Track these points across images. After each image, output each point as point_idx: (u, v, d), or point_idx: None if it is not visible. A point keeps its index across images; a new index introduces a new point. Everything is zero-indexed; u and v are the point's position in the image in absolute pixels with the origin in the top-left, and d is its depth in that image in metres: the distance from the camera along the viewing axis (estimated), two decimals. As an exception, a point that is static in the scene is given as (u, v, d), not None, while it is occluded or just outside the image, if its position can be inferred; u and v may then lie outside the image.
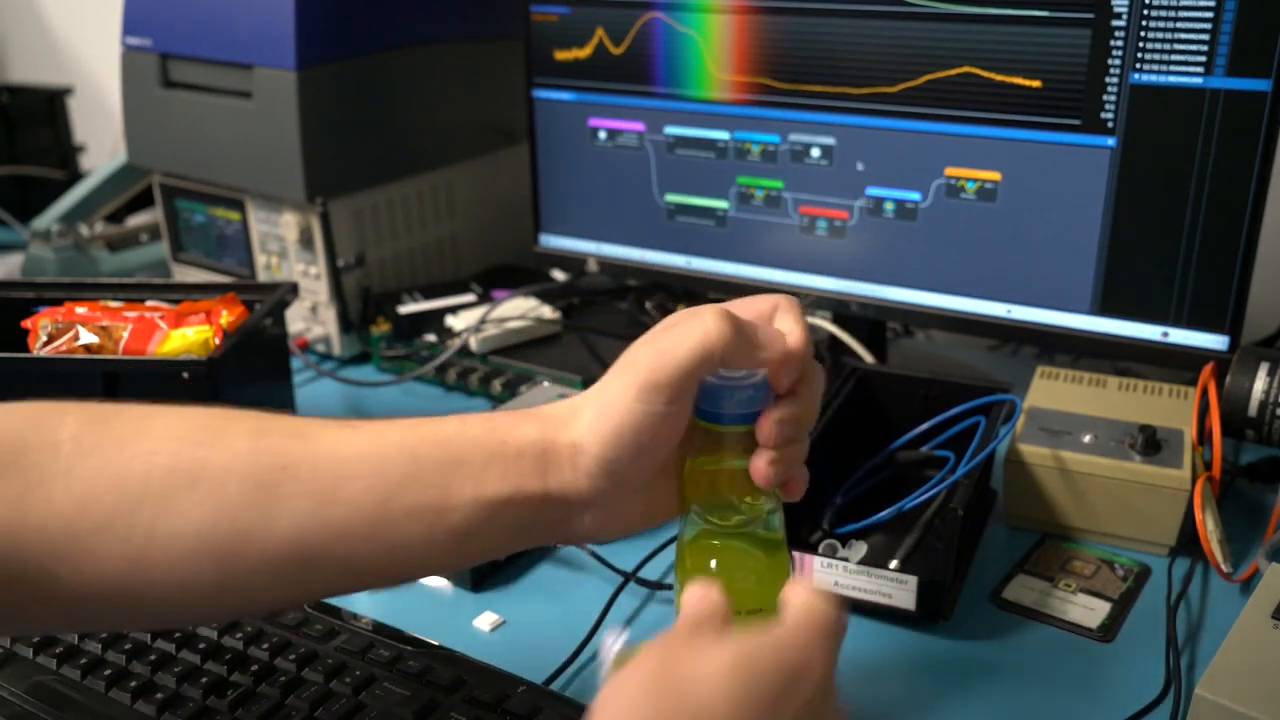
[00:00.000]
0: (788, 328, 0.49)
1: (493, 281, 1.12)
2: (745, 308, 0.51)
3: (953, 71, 0.82)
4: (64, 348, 0.79)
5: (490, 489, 0.47)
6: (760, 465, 0.49)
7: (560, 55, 0.99)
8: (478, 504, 0.47)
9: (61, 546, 0.44)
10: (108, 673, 0.59)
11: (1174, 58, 0.74)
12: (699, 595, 0.41)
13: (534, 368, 0.96)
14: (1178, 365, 0.81)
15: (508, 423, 0.49)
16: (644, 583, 0.71)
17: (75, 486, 0.44)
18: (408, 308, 1.05)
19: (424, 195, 1.11)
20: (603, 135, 0.99)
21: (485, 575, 0.72)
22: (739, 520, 0.51)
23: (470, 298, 1.08)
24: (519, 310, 1.03)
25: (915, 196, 0.86)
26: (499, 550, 0.51)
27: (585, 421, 0.48)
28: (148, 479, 0.45)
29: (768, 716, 0.36)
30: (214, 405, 0.49)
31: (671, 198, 0.98)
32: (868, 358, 0.93)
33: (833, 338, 0.96)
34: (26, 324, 0.81)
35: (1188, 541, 0.72)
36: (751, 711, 0.36)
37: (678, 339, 0.46)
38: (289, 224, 1.02)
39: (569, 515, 0.50)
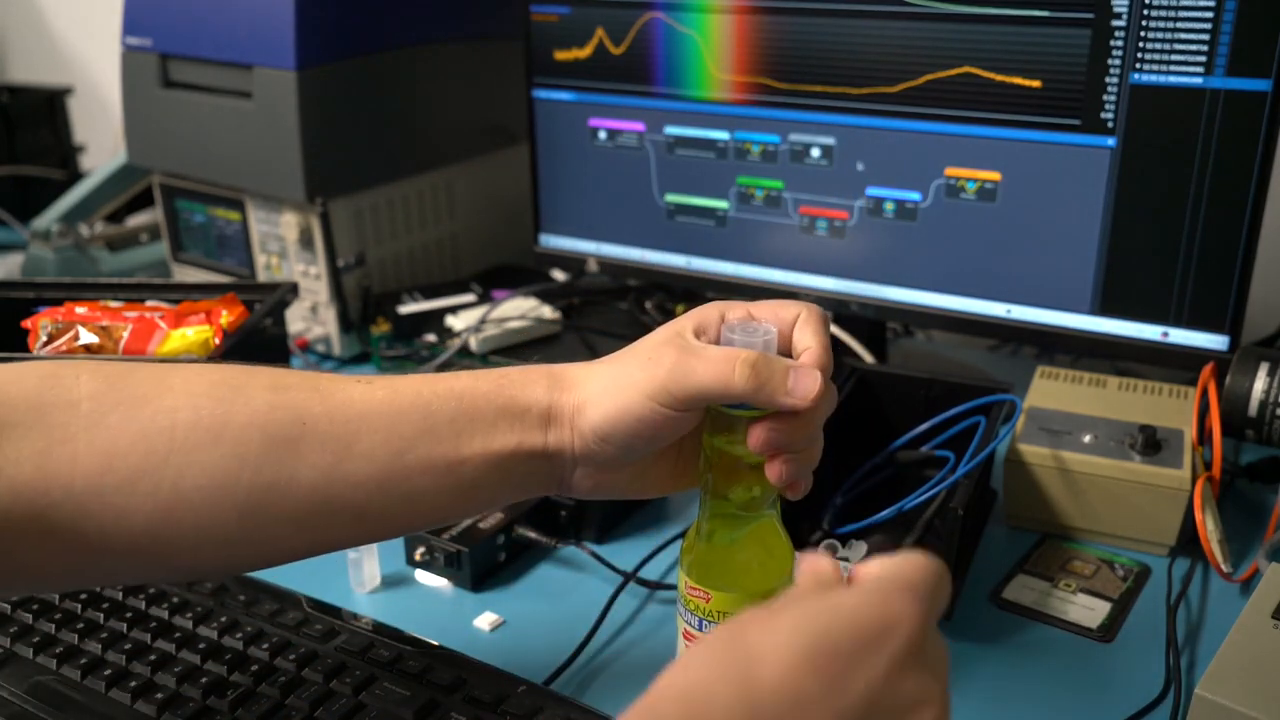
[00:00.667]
0: (807, 342, 0.50)
1: (493, 281, 1.12)
2: (767, 310, 0.51)
3: (953, 71, 0.82)
4: (64, 348, 0.79)
5: (498, 443, 0.50)
6: (773, 464, 0.50)
7: (560, 55, 0.99)
8: (485, 457, 0.49)
9: (88, 503, 0.45)
10: (108, 673, 0.59)
11: (1174, 58, 0.74)
12: (809, 563, 0.41)
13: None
14: (1178, 365, 0.81)
15: (518, 380, 0.51)
16: (644, 583, 0.71)
17: (99, 443, 0.45)
18: (408, 308, 1.05)
19: (424, 195, 1.11)
20: (603, 135, 0.99)
21: (485, 575, 0.72)
22: (750, 499, 0.52)
23: (470, 298, 1.08)
24: (519, 310, 1.03)
25: (915, 196, 0.86)
26: (501, 501, 0.53)
27: (593, 389, 0.50)
28: (172, 434, 0.46)
29: (841, 674, 0.34)
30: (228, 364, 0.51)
31: (671, 198, 0.98)
32: (868, 358, 0.93)
33: (833, 338, 0.96)
34: (26, 324, 0.81)
35: (1188, 541, 0.72)
36: (822, 667, 0.34)
37: (707, 366, 0.48)
38: (289, 224, 1.02)
39: (562, 469, 0.52)
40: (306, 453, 0.47)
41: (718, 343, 0.51)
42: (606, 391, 0.50)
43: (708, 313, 0.52)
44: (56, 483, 0.44)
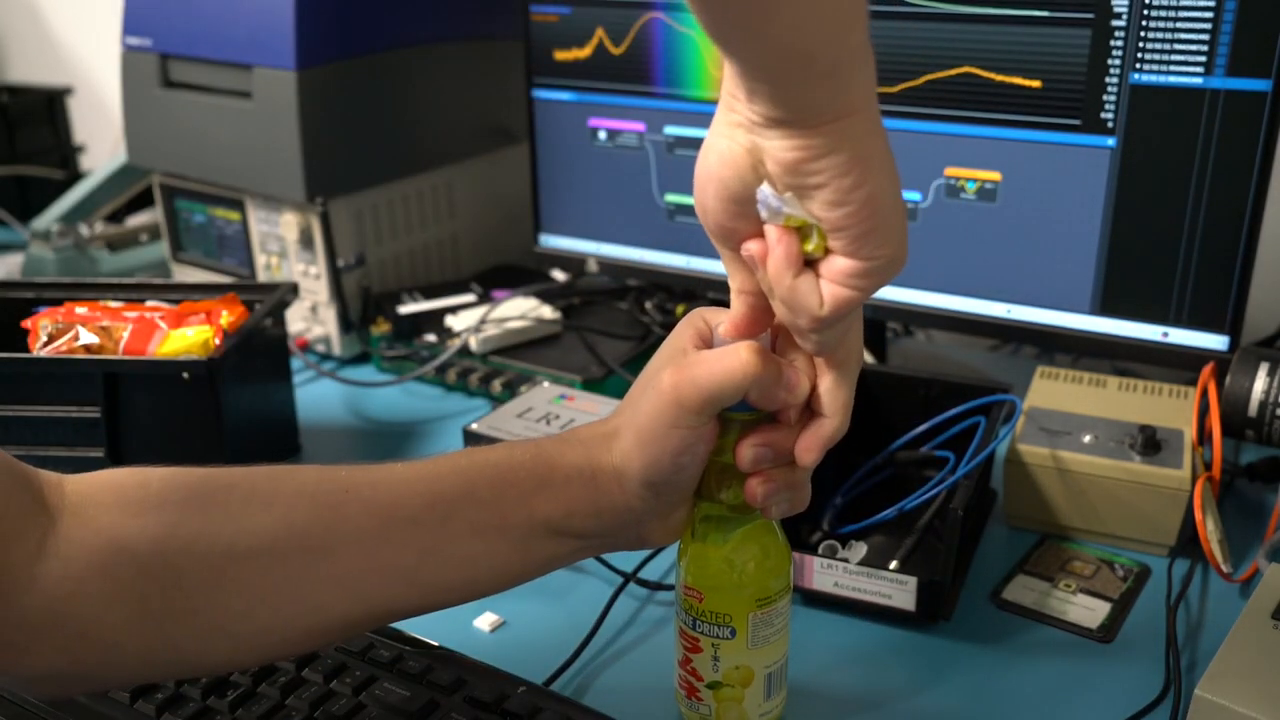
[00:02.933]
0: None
1: (493, 281, 1.12)
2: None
3: (953, 71, 0.82)
4: (64, 348, 0.79)
5: (543, 511, 0.51)
6: (750, 483, 0.51)
7: (560, 55, 0.99)
8: (532, 523, 0.50)
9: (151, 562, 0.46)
10: (108, 673, 0.59)
11: (1174, 58, 0.74)
12: None
13: (534, 368, 0.96)
14: (1178, 365, 0.81)
15: (552, 449, 0.52)
16: (644, 583, 0.71)
17: (167, 514, 0.46)
18: (408, 308, 1.05)
19: (424, 195, 1.11)
20: (603, 135, 0.99)
21: (485, 575, 0.72)
22: (742, 501, 0.52)
23: (470, 298, 1.07)
24: (519, 310, 1.03)
25: (915, 196, 0.86)
26: (566, 560, 0.53)
27: (624, 447, 0.51)
28: (229, 502, 0.47)
29: None
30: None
31: (671, 198, 0.98)
32: (868, 358, 0.93)
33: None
34: (26, 324, 0.81)
35: (1188, 541, 0.72)
36: None
37: (712, 367, 0.48)
38: (289, 224, 1.02)
39: (624, 528, 0.52)
40: (351, 515, 0.48)
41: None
42: (639, 445, 0.50)
43: (694, 322, 0.52)
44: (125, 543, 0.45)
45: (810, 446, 0.49)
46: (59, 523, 0.44)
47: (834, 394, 0.49)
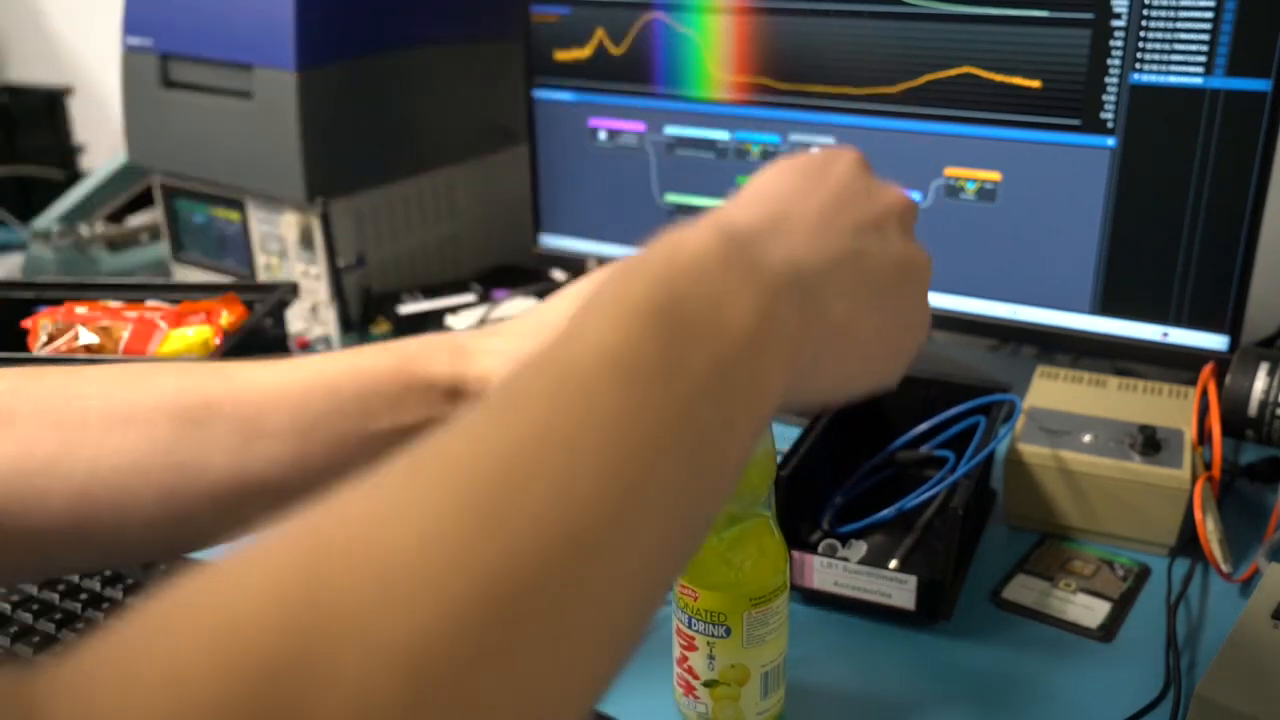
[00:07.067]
0: None
1: (493, 281, 1.12)
2: None
3: (953, 71, 0.82)
4: (64, 348, 0.79)
5: (406, 418, 0.50)
6: None
7: (560, 55, 0.99)
8: (396, 432, 0.50)
9: (9, 486, 0.46)
10: (107, 672, 0.59)
11: (1174, 58, 0.74)
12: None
13: (534, 368, 0.96)
14: (1178, 365, 0.81)
15: (421, 355, 0.51)
16: (644, 582, 0.71)
17: (17, 432, 0.47)
18: (408, 308, 1.05)
19: (424, 195, 1.11)
20: (603, 135, 0.99)
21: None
22: (736, 498, 0.52)
23: (470, 298, 1.08)
24: (519, 310, 1.02)
25: (915, 196, 0.86)
26: None
27: (498, 361, 0.50)
28: (84, 421, 0.47)
29: (813, 171, 0.43)
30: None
31: (672, 198, 0.98)
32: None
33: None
34: (26, 324, 0.81)
35: (1188, 541, 0.72)
36: (791, 170, 0.43)
37: None
38: (289, 224, 1.02)
39: None
40: (215, 434, 0.48)
41: None
42: (511, 360, 0.50)
43: None
44: None
45: None
46: None
47: None
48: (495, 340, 0.52)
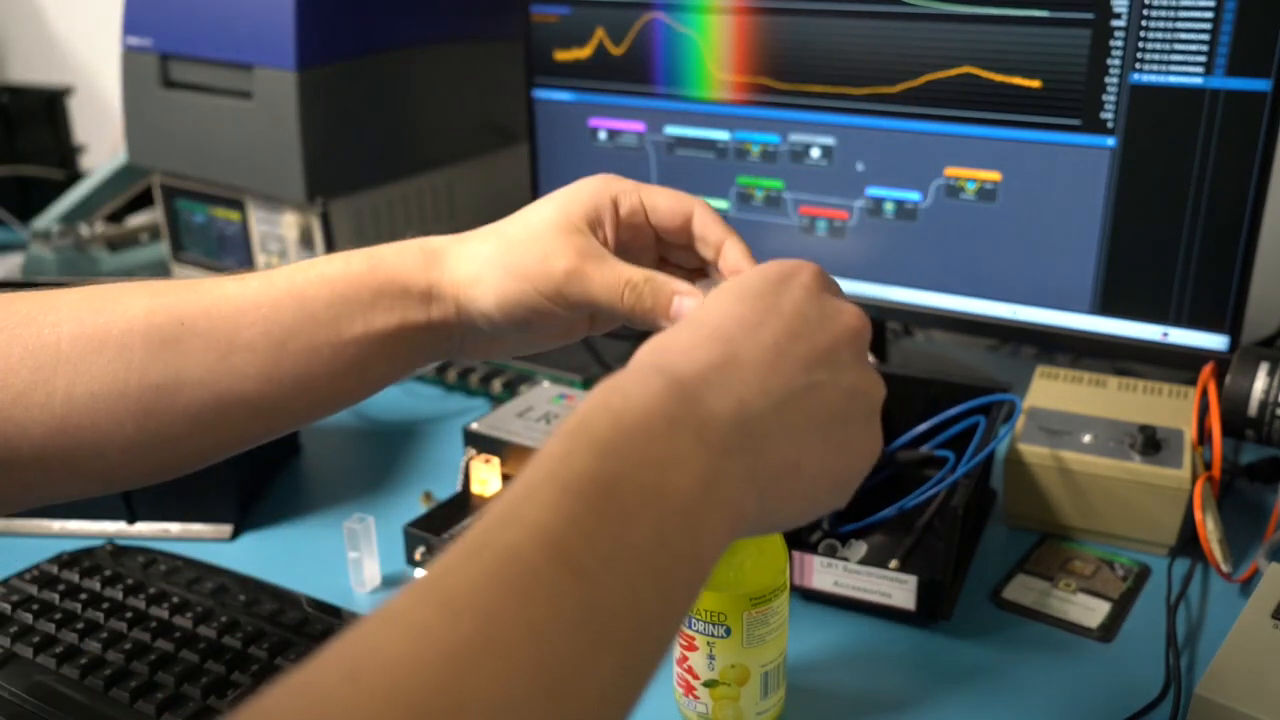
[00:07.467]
0: (719, 234, 0.52)
1: (493, 281, 1.12)
2: (663, 199, 0.52)
3: (953, 71, 0.82)
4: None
5: (379, 322, 0.50)
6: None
7: (560, 55, 0.99)
8: (369, 337, 0.50)
9: None
10: (108, 673, 0.59)
11: (1174, 58, 0.74)
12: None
13: (534, 367, 0.96)
14: (1178, 365, 0.81)
15: (392, 259, 0.51)
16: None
17: None
18: (408, 308, 1.04)
19: (424, 195, 1.11)
20: (603, 135, 1.00)
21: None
22: None
23: (470, 298, 1.07)
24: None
25: (915, 196, 0.86)
26: (396, 376, 0.53)
27: (476, 269, 0.51)
28: (58, 347, 0.47)
29: (768, 297, 0.42)
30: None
31: (671, 198, 0.98)
32: (868, 357, 0.93)
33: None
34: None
35: (1188, 541, 0.72)
36: (748, 299, 0.42)
37: (603, 279, 0.49)
38: (289, 224, 1.02)
39: (449, 340, 0.52)
40: (189, 351, 0.48)
41: (618, 232, 0.51)
42: (494, 278, 0.50)
43: (600, 200, 0.51)
44: None
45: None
46: None
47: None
48: (469, 244, 0.52)
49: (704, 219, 0.52)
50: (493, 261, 0.50)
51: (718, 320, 0.41)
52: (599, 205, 0.51)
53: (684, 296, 0.48)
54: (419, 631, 0.29)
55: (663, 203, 0.52)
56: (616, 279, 0.48)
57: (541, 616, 0.30)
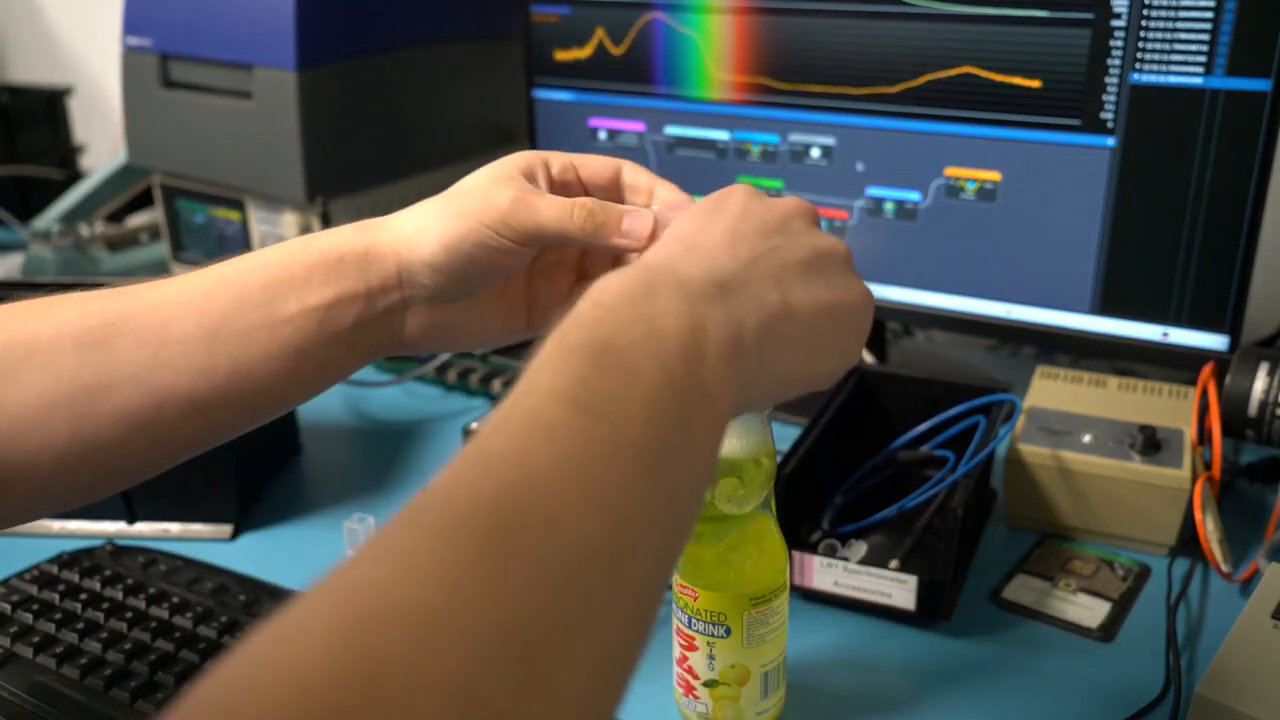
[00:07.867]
0: (645, 180, 0.53)
1: (493, 281, 1.12)
2: (593, 162, 0.54)
3: (953, 71, 0.82)
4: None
5: (314, 297, 0.49)
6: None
7: (560, 55, 0.99)
8: (304, 314, 0.49)
9: None
10: (108, 673, 0.59)
11: (1174, 58, 0.74)
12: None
13: (534, 368, 0.96)
14: (1178, 365, 0.81)
15: (328, 235, 0.51)
16: (644, 583, 0.71)
17: None
18: (408, 308, 1.04)
19: (425, 195, 1.10)
20: (603, 135, 1.00)
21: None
22: (732, 499, 0.52)
23: (470, 298, 1.07)
24: (519, 310, 1.02)
25: (915, 196, 0.86)
26: (339, 367, 0.51)
27: (417, 224, 0.51)
28: None
29: (716, 209, 0.45)
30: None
31: (671, 198, 0.98)
32: (868, 358, 0.93)
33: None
34: (26, 324, 0.81)
35: (1188, 541, 0.72)
36: (700, 212, 0.45)
37: (549, 206, 0.49)
38: (289, 224, 1.02)
39: (390, 314, 0.51)
40: (121, 350, 0.47)
41: (551, 189, 0.52)
42: (437, 223, 0.50)
43: (530, 159, 0.53)
44: None
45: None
46: None
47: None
48: (408, 210, 0.52)
49: (633, 170, 0.54)
50: (434, 212, 0.50)
51: (673, 232, 0.44)
52: (531, 163, 0.52)
53: (633, 213, 0.50)
54: (464, 481, 0.31)
55: (593, 160, 0.54)
56: (564, 202, 0.49)
57: (573, 452, 0.32)
